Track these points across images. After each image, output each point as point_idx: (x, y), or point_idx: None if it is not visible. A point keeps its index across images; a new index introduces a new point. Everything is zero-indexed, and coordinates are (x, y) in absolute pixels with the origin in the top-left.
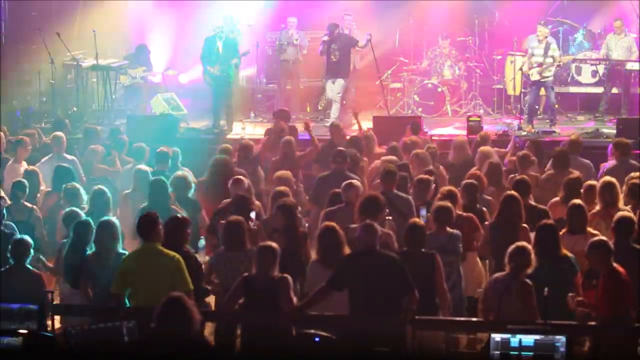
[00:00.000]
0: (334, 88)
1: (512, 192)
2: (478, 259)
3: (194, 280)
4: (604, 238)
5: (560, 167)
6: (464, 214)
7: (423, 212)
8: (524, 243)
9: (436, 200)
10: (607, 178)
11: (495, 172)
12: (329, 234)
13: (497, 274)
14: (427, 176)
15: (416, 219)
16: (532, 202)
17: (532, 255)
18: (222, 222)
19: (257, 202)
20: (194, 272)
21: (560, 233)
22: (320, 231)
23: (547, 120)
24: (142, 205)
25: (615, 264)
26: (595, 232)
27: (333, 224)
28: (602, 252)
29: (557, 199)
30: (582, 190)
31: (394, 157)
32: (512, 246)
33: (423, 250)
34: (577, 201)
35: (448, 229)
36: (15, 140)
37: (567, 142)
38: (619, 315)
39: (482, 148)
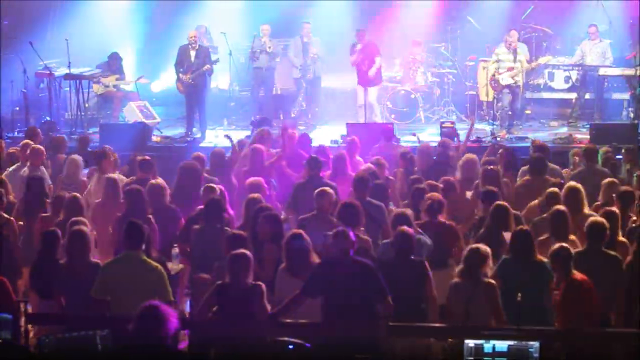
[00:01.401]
0: (369, 95)
1: (503, 203)
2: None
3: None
4: (563, 245)
5: (536, 173)
6: (447, 222)
7: (408, 211)
8: (477, 245)
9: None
10: (572, 183)
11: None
12: (294, 241)
13: (456, 280)
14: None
15: (404, 227)
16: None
17: (486, 254)
18: (195, 228)
19: (230, 211)
20: None
21: (542, 238)
22: (287, 239)
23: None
24: (114, 213)
25: (576, 272)
26: (575, 239)
27: (299, 231)
28: (559, 258)
29: (534, 202)
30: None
31: (370, 165)
32: (467, 248)
33: (412, 257)
34: (561, 207)
35: None
36: None
37: (536, 147)
38: (585, 320)
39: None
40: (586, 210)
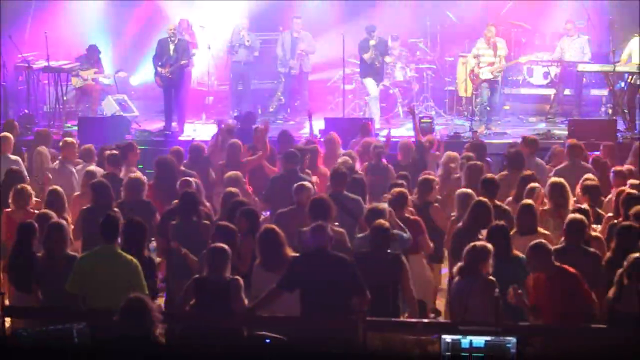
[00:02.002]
0: (375, 90)
1: (485, 199)
2: (425, 262)
3: (150, 284)
4: (542, 240)
5: (514, 167)
6: (411, 217)
7: (385, 205)
8: (480, 242)
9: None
10: (558, 179)
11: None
12: (267, 236)
13: (456, 278)
14: (431, 176)
15: (381, 221)
16: (498, 202)
17: (486, 251)
18: (173, 223)
19: (207, 204)
20: (151, 277)
21: (510, 233)
22: (260, 234)
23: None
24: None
25: (559, 264)
26: (546, 232)
27: (272, 226)
28: (542, 253)
29: (510, 198)
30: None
31: (347, 159)
32: (468, 246)
33: (388, 251)
34: (527, 201)
35: None
36: None
37: (524, 141)
38: (577, 312)
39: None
40: (571, 206)
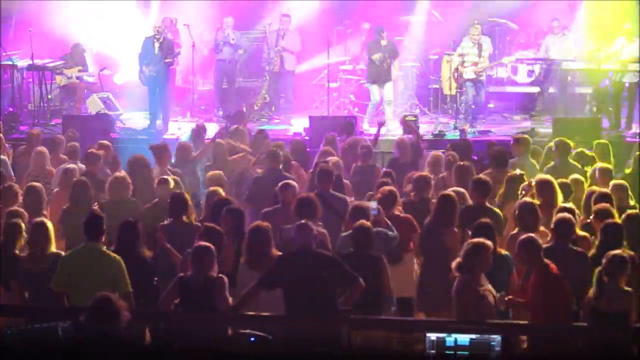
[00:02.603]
0: (385, 92)
1: (450, 193)
2: (415, 260)
3: (147, 284)
4: (532, 235)
5: (498, 165)
6: (402, 214)
7: (374, 204)
8: (481, 240)
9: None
10: (546, 176)
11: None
12: (257, 233)
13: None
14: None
15: (363, 221)
16: (488, 204)
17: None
18: (161, 224)
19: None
20: (147, 277)
21: (514, 232)
22: (250, 230)
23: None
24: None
25: (546, 260)
26: (546, 230)
27: (259, 223)
28: (531, 248)
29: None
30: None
31: (333, 157)
32: (468, 244)
33: (369, 252)
34: (529, 199)
35: None
36: None
37: (515, 140)
38: (556, 311)
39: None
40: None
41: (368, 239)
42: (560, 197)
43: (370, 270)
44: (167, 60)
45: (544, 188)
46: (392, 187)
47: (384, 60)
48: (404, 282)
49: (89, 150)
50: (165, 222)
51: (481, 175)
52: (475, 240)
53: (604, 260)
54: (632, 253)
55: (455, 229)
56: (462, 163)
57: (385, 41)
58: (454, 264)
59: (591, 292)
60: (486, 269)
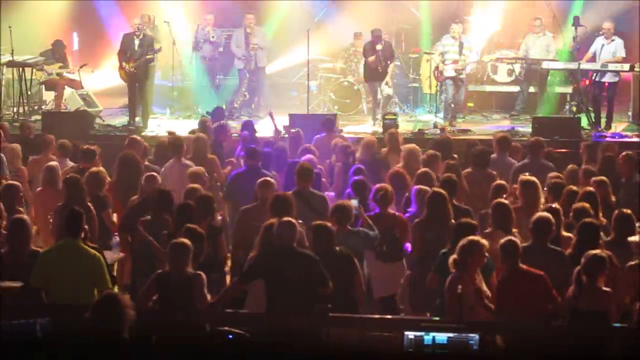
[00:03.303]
0: (383, 88)
1: (440, 190)
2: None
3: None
4: (512, 238)
5: (480, 164)
6: (397, 213)
7: (355, 202)
8: (476, 238)
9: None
10: (529, 177)
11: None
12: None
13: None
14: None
15: (327, 222)
16: (455, 202)
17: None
18: (143, 219)
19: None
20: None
21: (487, 231)
22: None
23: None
24: (53, 201)
25: (522, 265)
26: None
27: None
28: (512, 252)
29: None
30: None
31: (312, 157)
32: (463, 241)
33: (337, 248)
34: (503, 200)
35: (349, 227)
36: None
37: (496, 139)
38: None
39: (409, 145)
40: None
41: (329, 236)
42: (542, 197)
43: (340, 269)
44: (148, 56)
45: (527, 188)
46: (388, 186)
47: (378, 62)
48: (398, 282)
49: (85, 147)
50: (148, 217)
51: (447, 175)
52: (470, 237)
53: (582, 260)
54: (609, 253)
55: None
56: (451, 161)
57: (380, 45)
58: (450, 260)
59: (570, 291)
60: (480, 265)
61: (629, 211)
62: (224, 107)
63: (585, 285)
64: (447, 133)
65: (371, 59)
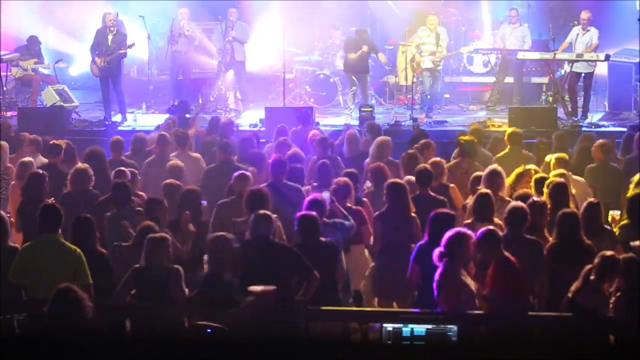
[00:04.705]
0: (362, 83)
1: (399, 181)
2: (366, 252)
3: (106, 278)
4: (491, 227)
5: (466, 155)
6: (353, 206)
7: (326, 194)
8: (463, 230)
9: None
10: (493, 166)
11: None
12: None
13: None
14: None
15: (308, 212)
16: (431, 193)
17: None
18: (107, 215)
19: (142, 194)
20: (106, 271)
21: (468, 222)
22: None
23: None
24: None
25: (506, 253)
26: (500, 222)
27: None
28: (492, 241)
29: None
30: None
31: (298, 150)
32: (451, 233)
33: (322, 239)
34: (485, 190)
35: (325, 219)
36: None
37: (470, 131)
38: (515, 302)
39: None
40: (504, 193)
41: (315, 227)
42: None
43: (323, 258)
44: (121, 51)
45: (489, 178)
46: (347, 179)
47: (360, 58)
48: (354, 274)
49: (51, 142)
50: (109, 213)
51: (421, 165)
52: (458, 229)
53: (596, 260)
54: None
55: (414, 216)
56: (410, 151)
57: (366, 47)
58: (435, 253)
59: (574, 285)
60: (467, 257)
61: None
62: (200, 100)
63: (590, 283)
64: (419, 124)
65: (352, 55)
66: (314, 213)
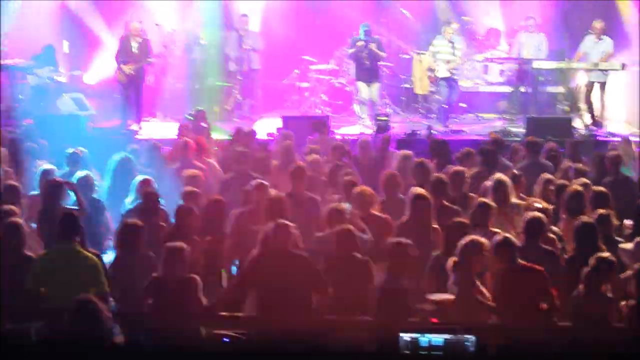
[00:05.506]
0: (371, 90)
1: (421, 191)
2: None
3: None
4: (508, 235)
5: (488, 165)
6: (382, 215)
7: (347, 205)
8: (477, 238)
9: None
10: (498, 175)
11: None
12: None
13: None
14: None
15: (349, 226)
16: (446, 202)
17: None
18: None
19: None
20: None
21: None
22: None
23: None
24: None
25: (520, 261)
26: (496, 230)
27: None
28: (510, 249)
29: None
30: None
31: (317, 156)
32: (464, 242)
33: (356, 255)
34: (485, 200)
35: None
36: None
37: (490, 141)
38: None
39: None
40: (514, 201)
41: (353, 243)
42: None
43: (358, 273)
44: (149, 60)
45: (496, 187)
46: (369, 188)
47: (363, 49)
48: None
49: (72, 151)
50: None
51: (436, 175)
52: (472, 237)
53: (591, 262)
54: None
55: (437, 227)
56: (420, 160)
57: (374, 45)
58: (449, 263)
59: (576, 292)
60: (482, 266)
61: None
62: (216, 109)
63: (590, 288)
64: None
65: (351, 50)
66: (351, 227)
